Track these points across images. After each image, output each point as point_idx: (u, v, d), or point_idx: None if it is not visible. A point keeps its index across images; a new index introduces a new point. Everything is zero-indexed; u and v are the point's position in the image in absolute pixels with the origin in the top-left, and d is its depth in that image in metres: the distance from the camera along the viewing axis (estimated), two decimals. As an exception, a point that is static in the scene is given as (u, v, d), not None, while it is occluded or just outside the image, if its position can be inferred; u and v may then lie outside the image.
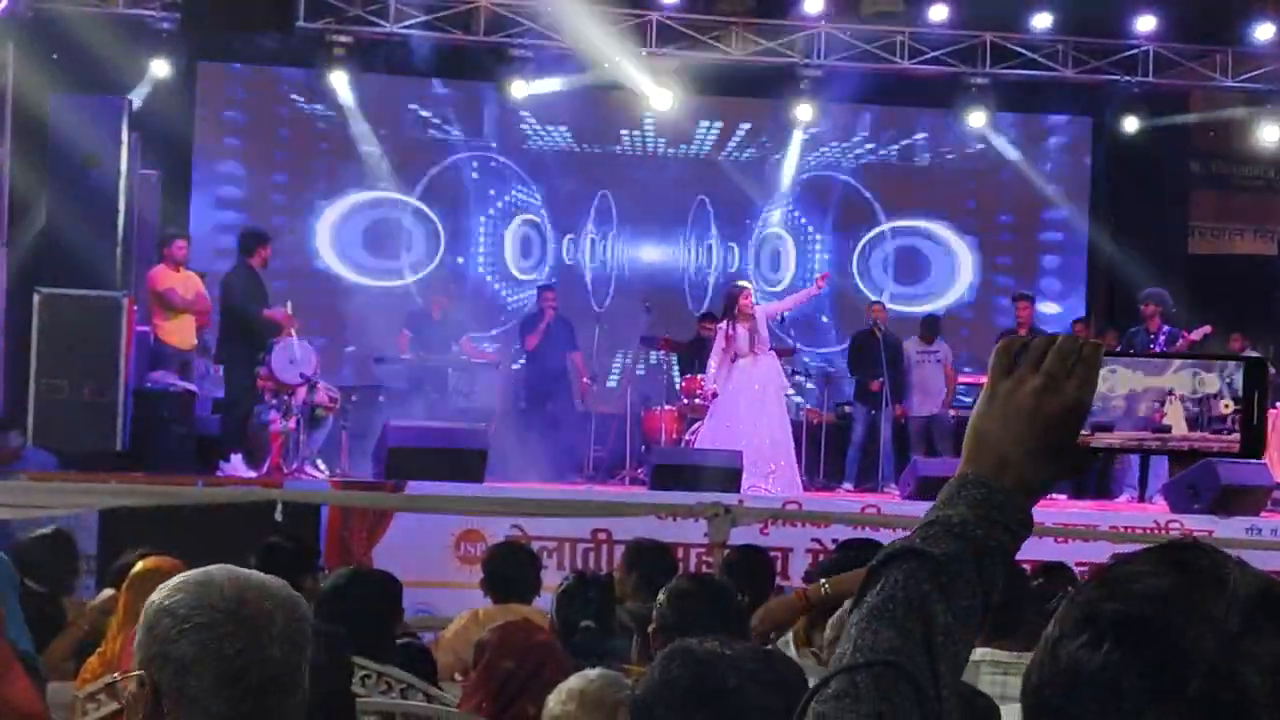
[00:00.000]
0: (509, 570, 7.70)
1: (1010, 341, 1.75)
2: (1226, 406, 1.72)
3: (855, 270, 19.82)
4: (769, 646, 4.41)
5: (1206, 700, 1.28)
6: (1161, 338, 15.01)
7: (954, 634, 1.62)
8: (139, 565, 6.53)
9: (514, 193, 19.19)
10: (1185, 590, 1.34)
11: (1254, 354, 1.77)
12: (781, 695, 2.36)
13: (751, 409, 14.43)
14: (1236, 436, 1.72)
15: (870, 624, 1.62)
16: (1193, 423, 1.72)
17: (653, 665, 2.46)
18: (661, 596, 4.53)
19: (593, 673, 3.98)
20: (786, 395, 15.30)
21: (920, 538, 1.68)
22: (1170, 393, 1.72)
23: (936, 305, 19.00)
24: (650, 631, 4.38)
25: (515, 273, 19.21)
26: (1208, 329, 15.08)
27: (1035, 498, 1.71)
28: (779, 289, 19.15)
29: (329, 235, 18.64)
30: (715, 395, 14.67)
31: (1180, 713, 1.28)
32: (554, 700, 3.90)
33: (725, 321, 14.72)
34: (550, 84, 17.59)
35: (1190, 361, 1.73)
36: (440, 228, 18.96)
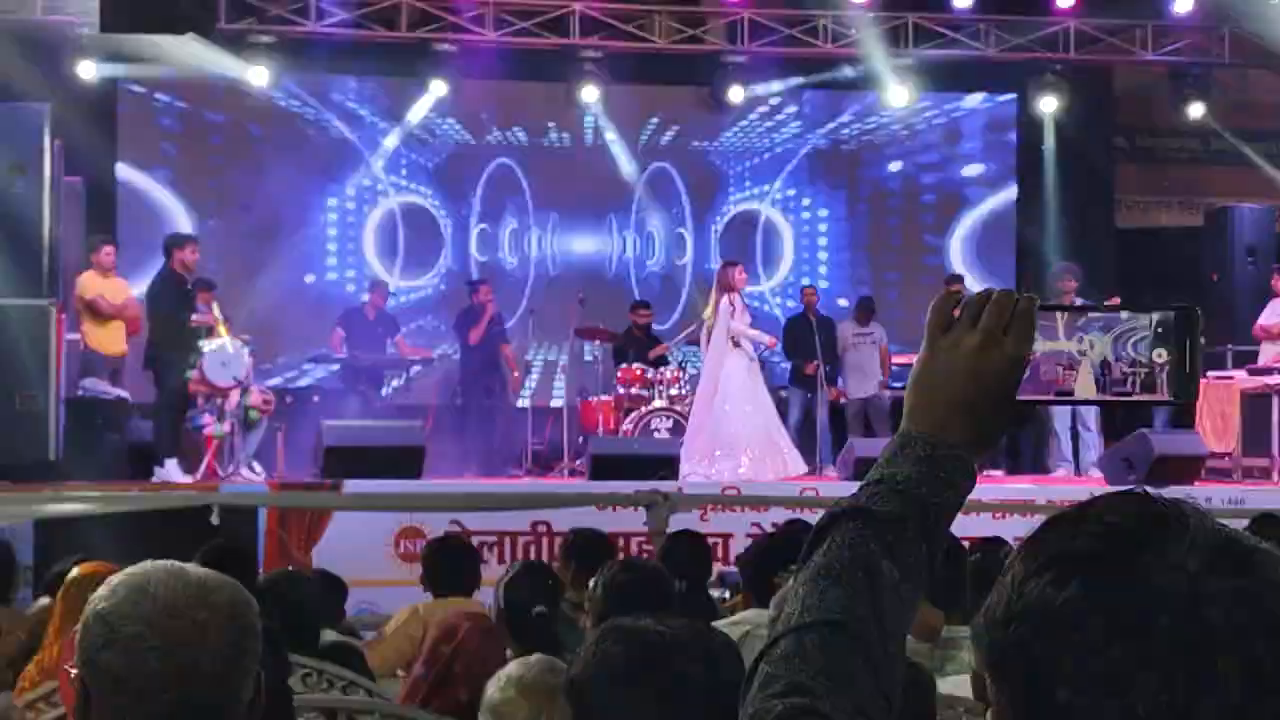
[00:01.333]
0: (448, 565, 7.70)
1: (946, 298, 1.75)
2: (1159, 357, 1.73)
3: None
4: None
5: (1170, 636, 1.29)
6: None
7: (901, 591, 1.62)
8: (74, 571, 6.48)
9: (439, 188, 19.12)
10: (1148, 530, 1.35)
11: (1183, 304, 1.78)
12: (716, 669, 2.37)
13: (749, 391, 14.49)
14: (1167, 391, 1.74)
15: (817, 583, 1.62)
16: (1111, 382, 1.73)
17: (586, 645, 2.46)
18: (596, 583, 4.54)
19: (531, 659, 3.99)
20: None
21: (865, 496, 1.68)
22: (1077, 355, 1.74)
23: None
24: (590, 616, 4.38)
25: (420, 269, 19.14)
26: (1116, 301, 15.16)
27: (978, 453, 1.71)
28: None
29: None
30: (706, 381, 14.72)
31: (1145, 649, 1.29)
32: (493, 687, 3.90)
33: (724, 297, 14.67)
34: (476, 78, 17.59)
35: (1098, 323, 1.74)
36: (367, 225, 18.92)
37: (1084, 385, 1.74)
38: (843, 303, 18.70)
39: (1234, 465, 14.98)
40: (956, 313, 1.73)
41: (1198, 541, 1.34)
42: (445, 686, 5.28)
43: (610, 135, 19.09)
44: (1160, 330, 1.73)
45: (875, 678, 1.58)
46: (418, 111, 18.34)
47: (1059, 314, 1.75)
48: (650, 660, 2.37)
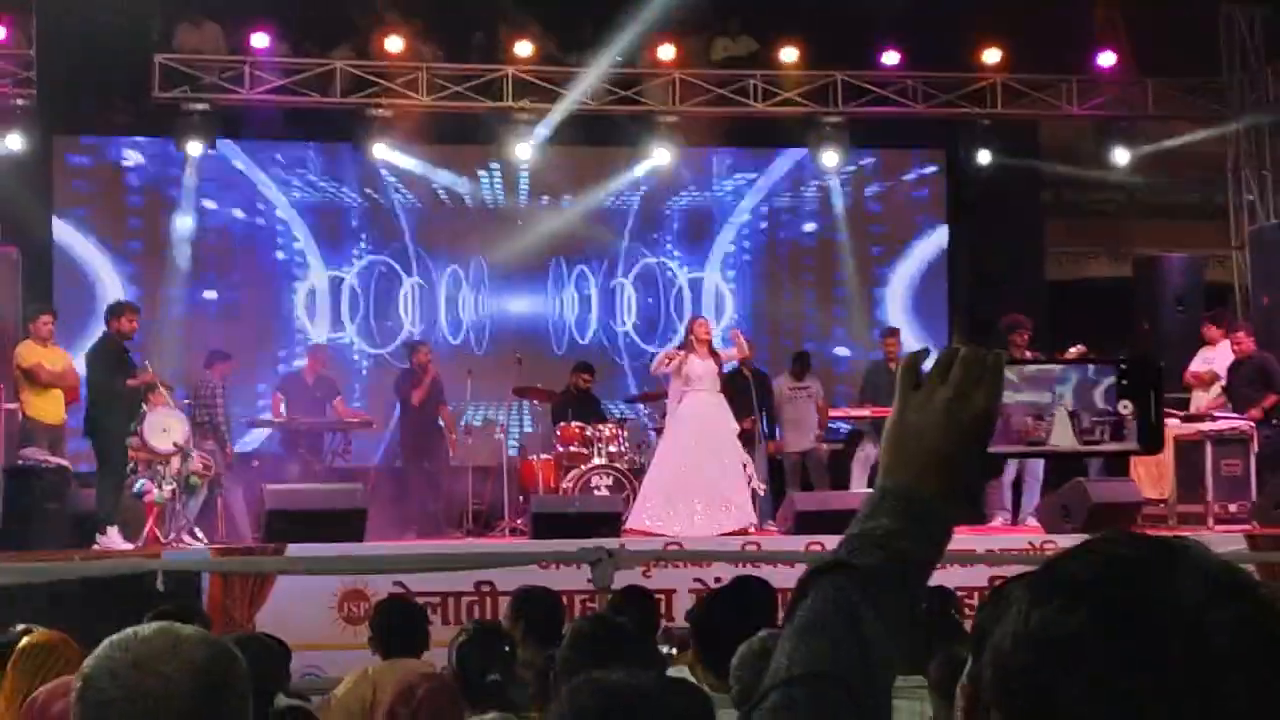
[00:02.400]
0: (396, 626, 7.71)
1: (915, 355, 1.81)
2: (1124, 408, 1.78)
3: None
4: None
5: (1179, 664, 1.32)
6: (1032, 363, 15.21)
7: (885, 643, 1.65)
8: (24, 641, 6.45)
9: (377, 250, 19.14)
10: (1153, 560, 1.39)
11: (1146, 355, 1.84)
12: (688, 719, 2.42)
13: (705, 440, 14.50)
14: (1132, 441, 1.80)
15: (803, 637, 1.65)
16: (1083, 431, 1.79)
17: (559, 699, 2.50)
18: (564, 639, 4.56)
19: (489, 717, 4.02)
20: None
21: (846, 550, 1.71)
22: (1050, 405, 1.79)
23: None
24: (553, 674, 4.41)
25: (377, 331, 19.15)
26: (1082, 348, 15.26)
27: (953, 506, 1.75)
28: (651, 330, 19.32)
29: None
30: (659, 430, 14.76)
31: (1154, 677, 1.32)
32: (452, 746, 3.93)
33: (680, 350, 14.74)
34: (410, 142, 17.68)
35: (1063, 373, 1.80)
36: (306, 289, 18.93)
37: (1059, 435, 1.79)
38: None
39: (1169, 512, 15.10)
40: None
41: (1201, 571, 1.37)
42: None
43: (545, 195, 19.18)
44: (1124, 382, 1.79)
45: None
46: (355, 176, 18.44)
47: (1026, 367, 1.81)
48: (622, 714, 2.42)
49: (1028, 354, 15.17)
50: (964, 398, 1.75)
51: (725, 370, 15.24)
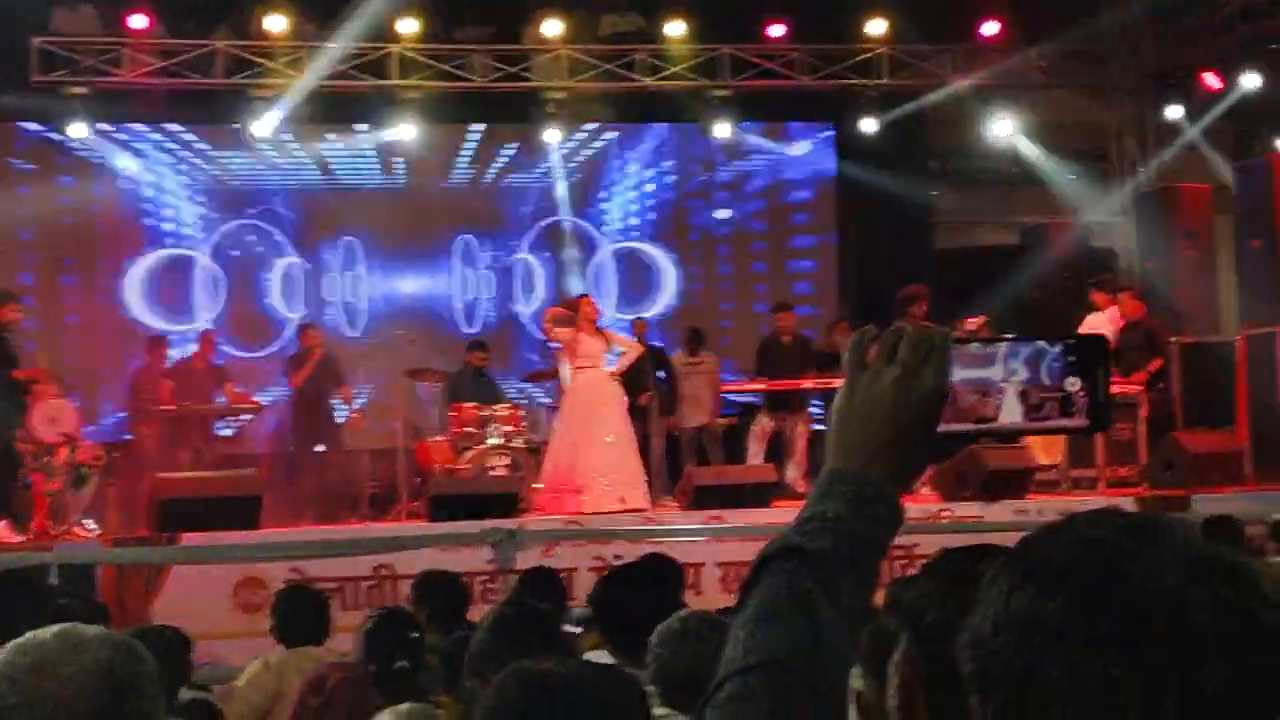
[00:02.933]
0: (298, 614, 7.63)
1: (861, 334, 1.78)
2: (1072, 385, 1.76)
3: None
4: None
5: (1159, 645, 1.31)
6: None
7: (839, 629, 1.63)
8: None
9: (264, 232, 18.95)
10: (1132, 540, 1.37)
11: (1095, 333, 1.81)
12: (619, 709, 2.38)
13: (595, 421, 14.42)
14: (1082, 418, 1.77)
15: (758, 625, 1.63)
16: (1029, 409, 1.77)
17: (489, 690, 2.46)
18: (483, 625, 4.50)
19: (404, 707, 3.97)
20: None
21: (798, 535, 1.69)
22: (997, 382, 1.77)
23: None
24: (468, 658, 4.35)
25: (275, 312, 18.96)
26: (983, 318, 15.35)
27: (904, 488, 1.73)
28: (533, 310, 19.24)
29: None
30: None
31: (1134, 657, 1.31)
32: (367, 739, 3.87)
33: (568, 330, 14.63)
34: (294, 122, 17.48)
35: (1009, 350, 1.78)
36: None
37: (1008, 413, 1.77)
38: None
39: (1061, 477, 15.27)
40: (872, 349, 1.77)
41: (1181, 551, 1.36)
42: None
43: (435, 174, 19.07)
44: (1072, 359, 1.77)
45: (821, 715, 1.60)
46: (238, 157, 18.22)
47: (972, 345, 1.78)
48: (554, 704, 2.38)
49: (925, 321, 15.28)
50: (912, 377, 1.73)
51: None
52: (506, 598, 7.79)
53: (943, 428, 1.76)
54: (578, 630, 8.87)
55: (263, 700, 7.23)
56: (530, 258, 19.74)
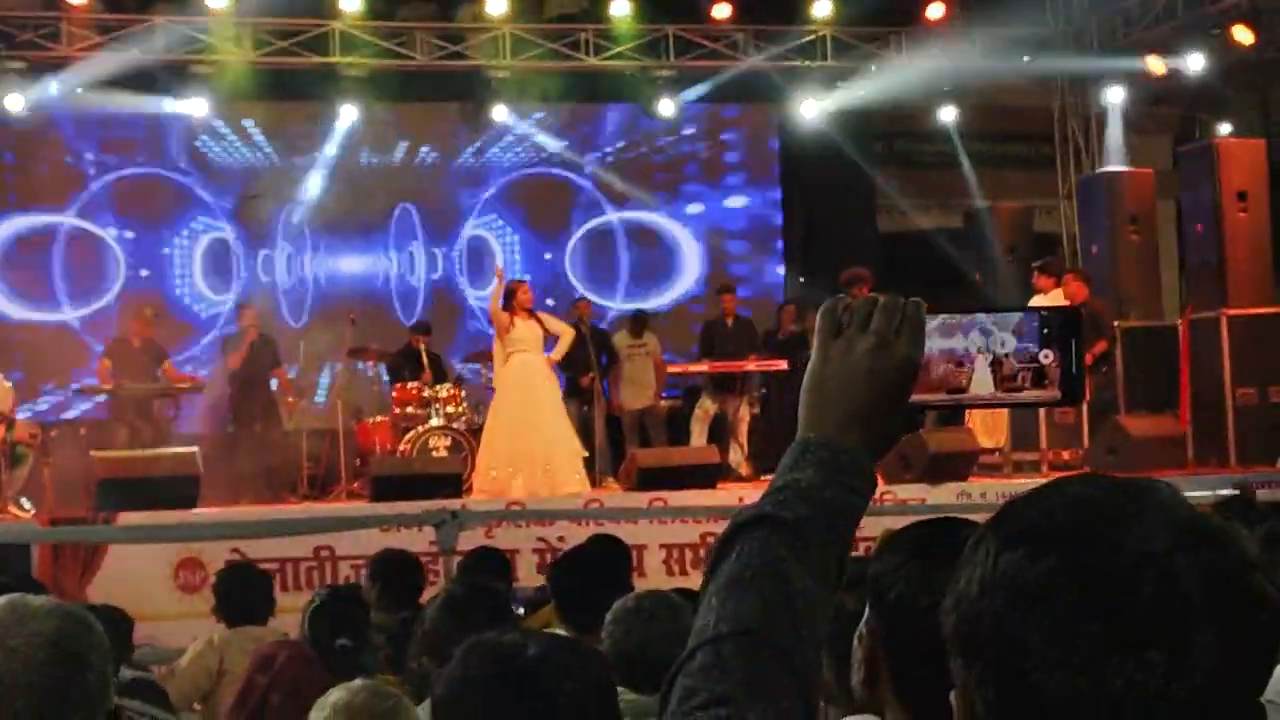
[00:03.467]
0: (242, 593, 7.56)
1: (834, 303, 1.75)
2: (1046, 357, 1.74)
3: (568, 267, 19.89)
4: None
5: (1147, 610, 1.29)
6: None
7: (813, 597, 1.60)
8: None
9: (204, 210, 18.81)
10: (1120, 505, 1.35)
11: (1069, 305, 1.78)
12: (585, 680, 2.34)
13: (530, 403, 14.34)
14: (1054, 390, 1.75)
15: (730, 593, 1.60)
16: (1002, 379, 1.75)
17: (452, 663, 2.40)
18: (434, 603, 4.45)
19: (356, 684, 3.90)
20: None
21: (770, 503, 1.66)
22: (970, 353, 1.75)
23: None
24: (419, 636, 4.29)
25: (209, 293, 18.80)
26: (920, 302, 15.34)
27: (877, 456, 1.71)
28: (484, 293, 19.13)
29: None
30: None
31: (1122, 622, 1.29)
32: (317, 715, 3.81)
33: (506, 315, 14.53)
34: (236, 99, 17.34)
35: (989, 320, 1.76)
36: (119, 252, 18.51)
37: (980, 383, 1.75)
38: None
39: (1004, 460, 15.32)
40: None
41: (1169, 516, 1.34)
42: (263, 718, 5.14)
43: (375, 153, 18.97)
44: (1045, 331, 1.75)
45: (795, 684, 1.57)
46: (179, 135, 18.07)
47: (945, 316, 1.76)
48: (517, 676, 2.33)
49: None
50: (886, 346, 1.71)
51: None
52: (456, 576, 7.73)
53: (916, 397, 1.74)
54: (520, 612, 8.85)
55: (205, 680, 7.17)
56: (485, 234, 19.64)
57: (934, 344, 1.74)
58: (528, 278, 16.10)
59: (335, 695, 3.91)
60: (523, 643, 2.39)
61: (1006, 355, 1.74)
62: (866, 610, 2.32)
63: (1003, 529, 1.38)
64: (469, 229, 19.64)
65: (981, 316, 1.76)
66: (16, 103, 16.51)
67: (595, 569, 5.76)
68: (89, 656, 2.29)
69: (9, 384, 13.86)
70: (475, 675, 2.34)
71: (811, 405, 1.73)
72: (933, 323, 1.74)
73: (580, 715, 2.30)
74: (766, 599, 1.59)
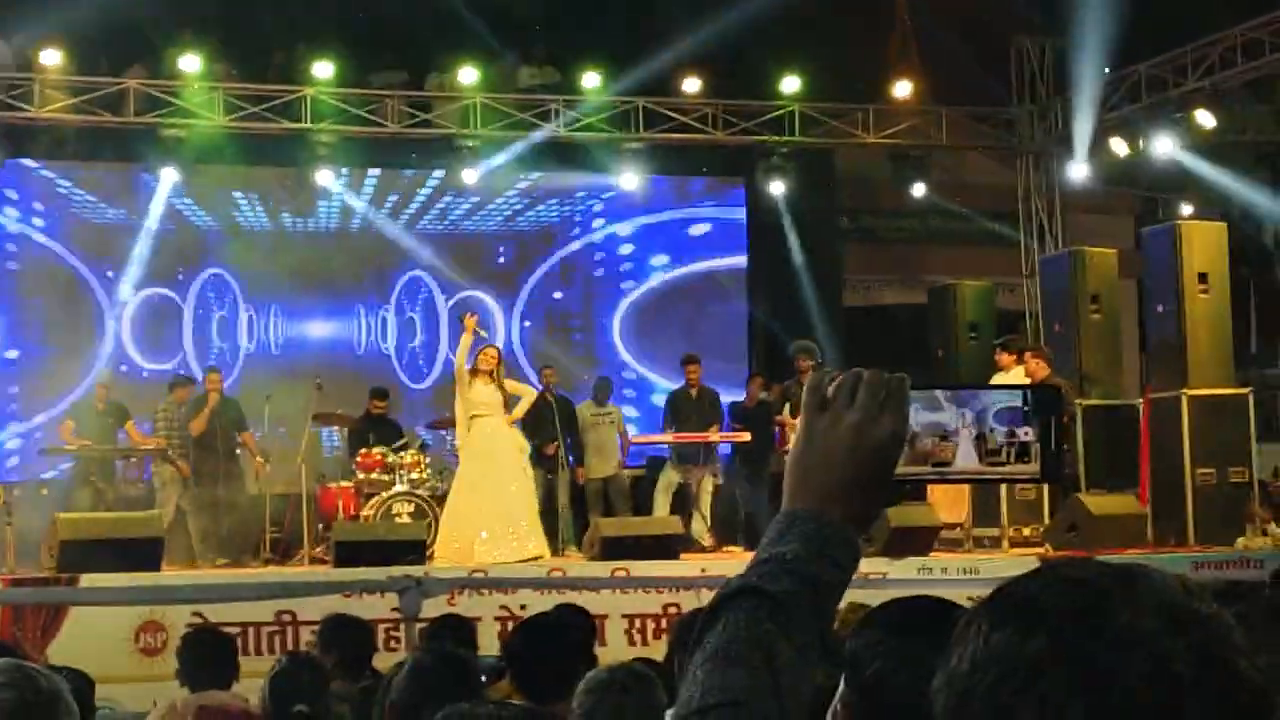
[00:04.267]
0: (205, 657, 7.51)
1: (819, 378, 1.78)
2: (1027, 434, 1.77)
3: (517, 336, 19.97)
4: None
5: (1137, 692, 1.30)
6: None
7: (797, 671, 1.63)
8: None
9: (172, 273, 18.80)
10: (1110, 587, 1.37)
11: (1049, 383, 1.82)
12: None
13: (493, 469, 14.30)
14: (1035, 465, 1.78)
15: (717, 665, 1.62)
16: (986, 454, 1.77)
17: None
18: (400, 672, 4.45)
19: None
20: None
21: (756, 575, 1.68)
22: (954, 427, 1.77)
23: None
24: (387, 706, 4.29)
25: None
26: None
27: (860, 530, 1.73)
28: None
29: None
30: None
31: (1111, 702, 1.30)
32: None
33: (469, 373, 14.50)
34: (204, 163, 17.38)
35: (971, 396, 1.78)
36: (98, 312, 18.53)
37: (964, 457, 1.77)
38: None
39: (965, 536, 15.33)
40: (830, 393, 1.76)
41: (1160, 598, 1.36)
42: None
43: (349, 218, 19.04)
44: (1026, 408, 1.77)
45: None
46: (148, 197, 18.11)
47: (930, 391, 1.78)
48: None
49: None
50: (871, 421, 1.74)
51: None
52: (422, 644, 7.71)
53: (900, 471, 1.76)
54: (483, 679, 8.83)
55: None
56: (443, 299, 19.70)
57: (919, 418, 1.76)
58: (495, 345, 16.04)
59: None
60: (497, 715, 2.41)
61: (990, 430, 1.77)
62: (841, 685, 2.34)
63: (995, 608, 1.39)
64: (438, 293, 19.68)
65: (966, 392, 1.79)
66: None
67: (560, 638, 5.75)
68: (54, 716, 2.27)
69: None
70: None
71: (796, 479, 1.76)
72: (918, 397, 1.76)
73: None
74: (752, 671, 1.61)
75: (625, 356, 20.19)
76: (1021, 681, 1.34)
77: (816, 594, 1.68)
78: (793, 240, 19.22)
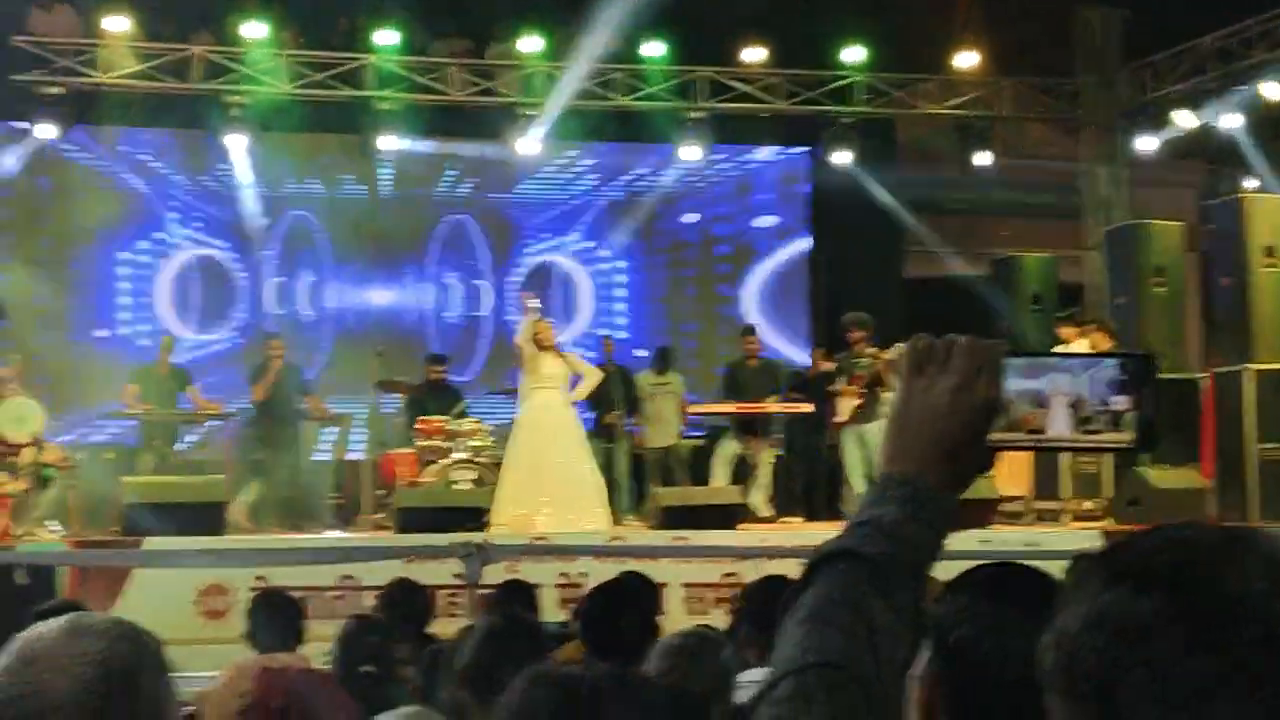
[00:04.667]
0: (272, 620, 7.57)
1: (916, 341, 1.79)
2: (1123, 403, 1.76)
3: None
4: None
5: (1254, 649, 1.31)
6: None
7: (894, 633, 1.63)
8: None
9: (234, 241, 18.91)
10: (1225, 547, 1.37)
11: (1143, 351, 1.81)
12: (644, 711, 2.36)
13: (552, 440, 14.32)
14: (1130, 434, 1.77)
15: (814, 625, 1.63)
16: (1080, 422, 1.77)
17: (509, 692, 2.44)
18: (469, 636, 4.47)
19: (411, 710, 3.94)
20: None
21: (853, 538, 1.69)
22: (1048, 395, 1.77)
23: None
24: (460, 670, 4.30)
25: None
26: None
27: (957, 494, 1.74)
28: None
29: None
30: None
31: (1227, 661, 1.31)
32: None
33: (531, 348, 14.48)
34: (271, 130, 17.43)
35: (1066, 364, 1.79)
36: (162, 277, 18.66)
37: (1058, 425, 1.77)
38: (640, 353, 18.72)
39: (1026, 508, 15.29)
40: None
41: (1271, 560, 1.36)
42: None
43: (407, 187, 19.05)
44: (1122, 376, 1.77)
45: (876, 717, 1.60)
46: (211, 163, 18.18)
47: (1026, 358, 1.79)
48: (576, 707, 2.36)
49: (869, 351, 15.32)
50: (967, 386, 1.75)
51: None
52: (490, 609, 7.75)
53: (995, 437, 1.76)
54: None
55: (237, 704, 7.17)
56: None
57: (1014, 385, 1.77)
58: (551, 320, 15.94)
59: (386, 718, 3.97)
60: (580, 674, 2.42)
61: (1084, 398, 1.77)
62: (924, 653, 2.33)
63: (1106, 568, 1.40)
64: (506, 262, 19.73)
65: (1062, 359, 1.79)
66: (48, 130, 16.61)
67: (633, 603, 5.79)
68: (139, 678, 2.24)
69: (41, 406, 13.92)
70: (533, 705, 2.36)
71: (894, 441, 1.77)
72: (1014, 364, 1.77)
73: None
74: (849, 634, 1.61)
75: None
76: (1133, 641, 1.34)
77: (912, 558, 1.69)
78: (856, 211, 19.13)
